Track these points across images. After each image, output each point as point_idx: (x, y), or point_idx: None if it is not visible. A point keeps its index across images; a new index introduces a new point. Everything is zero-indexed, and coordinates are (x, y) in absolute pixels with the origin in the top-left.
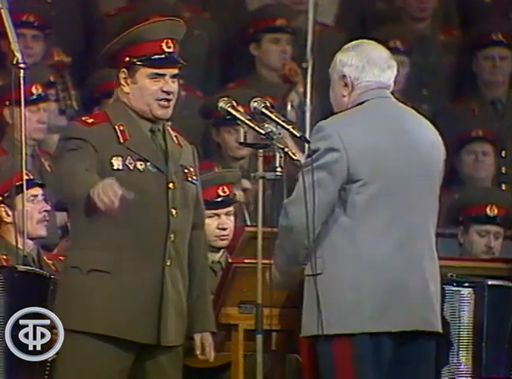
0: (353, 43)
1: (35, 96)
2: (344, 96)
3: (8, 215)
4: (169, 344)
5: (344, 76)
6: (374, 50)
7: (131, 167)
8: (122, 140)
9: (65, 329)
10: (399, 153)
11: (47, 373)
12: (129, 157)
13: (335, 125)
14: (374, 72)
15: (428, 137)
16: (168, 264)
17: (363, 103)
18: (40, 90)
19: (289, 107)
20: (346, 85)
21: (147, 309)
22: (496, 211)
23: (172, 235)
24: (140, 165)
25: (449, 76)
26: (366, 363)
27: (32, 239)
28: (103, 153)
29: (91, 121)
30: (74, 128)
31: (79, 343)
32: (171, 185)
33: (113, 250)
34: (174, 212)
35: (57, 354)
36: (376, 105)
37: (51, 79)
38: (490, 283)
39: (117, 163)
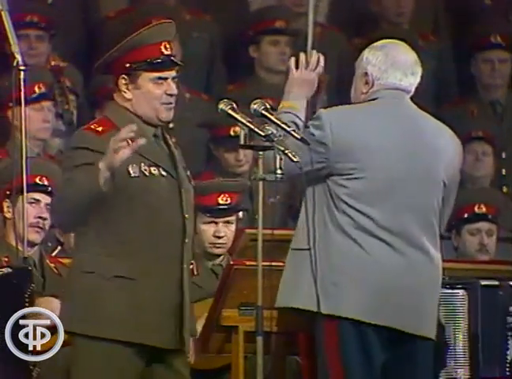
0: (383, 41)
1: (37, 95)
2: (363, 93)
3: (9, 211)
4: (189, 348)
5: (366, 73)
6: (402, 54)
7: (146, 173)
8: None
9: (83, 335)
10: (396, 155)
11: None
12: (142, 163)
13: (331, 116)
14: (396, 75)
15: (440, 144)
16: (185, 267)
17: (374, 99)
18: (43, 88)
19: None
20: (367, 83)
21: (170, 314)
22: (485, 209)
23: (187, 239)
24: (153, 170)
25: (430, 81)
26: (351, 348)
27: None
28: None
29: (101, 129)
30: (86, 137)
31: (100, 349)
32: (182, 189)
33: (135, 256)
34: (187, 215)
35: (74, 360)
36: (386, 104)
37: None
38: (483, 283)
39: (133, 170)
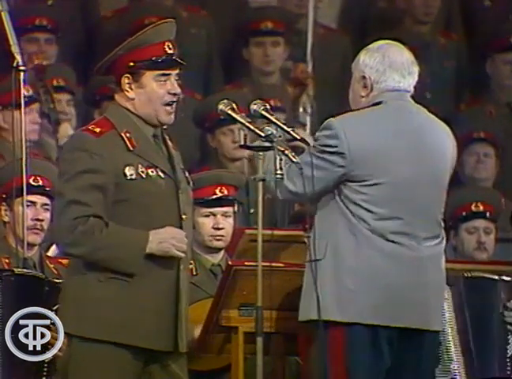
0: (378, 43)
1: (26, 98)
2: (362, 97)
3: (6, 214)
4: (184, 351)
5: (364, 77)
6: (398, 55)
7: (143, 175)
8: (131, 148)
9: (79, 337)
10: (408, 158)
11: (44, 373)
12: (139, 165)
13: (343, 124)
14: (394, 77)
15: (444, 145)
16: (182, 268)
17: (378, 104)
18: (31, 91)
19: (301, 110)
20: (365, 86)
21: (165, 316)
22: (482, 207)
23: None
24: (151, 172)
25: (451, 79)
26: (359, 353)
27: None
28: (115, 163)
29: (98, 130)
30: (84, 139)
31: (96, 351)
32: (180, 190)
33: None
34: (184, 217)
35: (70, 361)
36: (391, 108)
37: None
38: (465, 275)
39: (129, 172)
